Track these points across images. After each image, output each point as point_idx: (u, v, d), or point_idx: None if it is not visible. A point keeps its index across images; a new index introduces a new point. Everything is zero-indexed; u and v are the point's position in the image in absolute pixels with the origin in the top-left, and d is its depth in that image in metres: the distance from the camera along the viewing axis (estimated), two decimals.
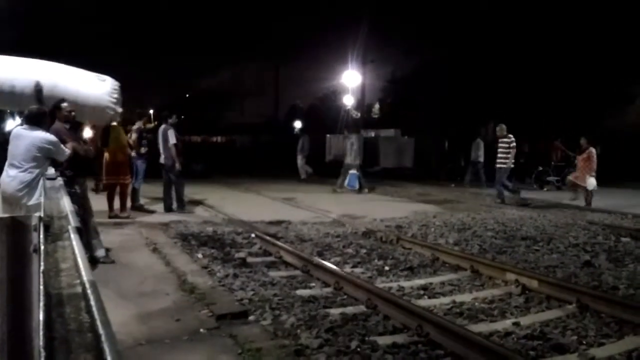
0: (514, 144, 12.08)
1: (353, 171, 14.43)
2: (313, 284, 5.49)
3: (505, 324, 4.35)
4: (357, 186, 14.24)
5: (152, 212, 9.54)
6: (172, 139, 9.36)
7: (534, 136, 19.95)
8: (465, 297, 5.11)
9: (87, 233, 5.44)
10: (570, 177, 12.69)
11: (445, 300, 5.00)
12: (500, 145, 12.29)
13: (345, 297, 5.03)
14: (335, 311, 4.55)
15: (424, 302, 4.93)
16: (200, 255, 6.50)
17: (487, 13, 23.44)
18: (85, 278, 1.49)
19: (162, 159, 9.56)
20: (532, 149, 19.12)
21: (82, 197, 5.77)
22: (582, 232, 8.54)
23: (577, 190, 12.52)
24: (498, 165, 12.25)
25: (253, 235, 7.68)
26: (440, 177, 18.89)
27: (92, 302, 1.29)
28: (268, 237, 7.34)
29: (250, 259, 6.42)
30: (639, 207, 11.04)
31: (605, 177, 16.69)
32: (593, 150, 12.16)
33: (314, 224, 8.97)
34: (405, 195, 14.09)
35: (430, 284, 5.57)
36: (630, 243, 7.83)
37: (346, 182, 14.44)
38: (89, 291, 1.38)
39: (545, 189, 15.93)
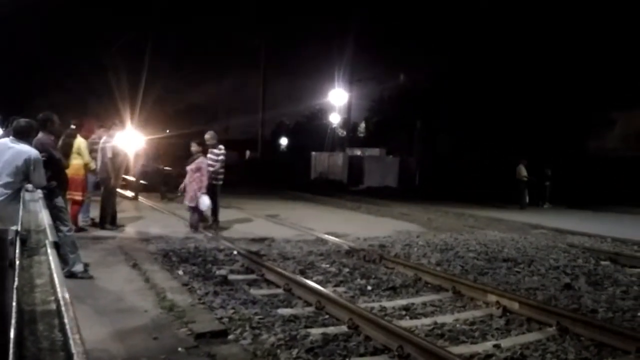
0: (223, 157, 9.98)
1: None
2: (295, 303, 5.45)
3: (486, 345, 4.35)
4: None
5: (122, 226, 9.34)
6: (109, 154, 9.07)
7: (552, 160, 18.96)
8: (446, 318, 5.11)
9: (65, 247, 5.35)
10: (186, 202, 9.49)
11: (427, 321, 5.00)
12: (209, 157, 9.80)
13: (327, 316, 5.00)
14: (316, 331, 4.51)
15: (406, 322, 4.92)
16: (180, 272, 6.42)
17: (472, 36, 23.92)
18: (60, 294, 1.46)
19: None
20: (554, 172, 18.11)
21: (61, 210, 5.69)
22: (562, 255, 8.62)
23: (202, 214, 9.63)
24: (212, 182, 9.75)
25: (235, 252, 7.62)
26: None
27: (66, 320, 1.27)
28: (250, 255, 7.29)
29: (231, 277, 6.35)
30: (618, 230, 11.20)
31: (588, 201, 17.12)
32: (204, 160, 9.41)
33: (297, 241, 8.93)
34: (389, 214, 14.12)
35: (412, 304, 5.56)
36: (609, 266, 7.93)
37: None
38: (62, 308, 1.35)
39: (546, 206, 17.55)
